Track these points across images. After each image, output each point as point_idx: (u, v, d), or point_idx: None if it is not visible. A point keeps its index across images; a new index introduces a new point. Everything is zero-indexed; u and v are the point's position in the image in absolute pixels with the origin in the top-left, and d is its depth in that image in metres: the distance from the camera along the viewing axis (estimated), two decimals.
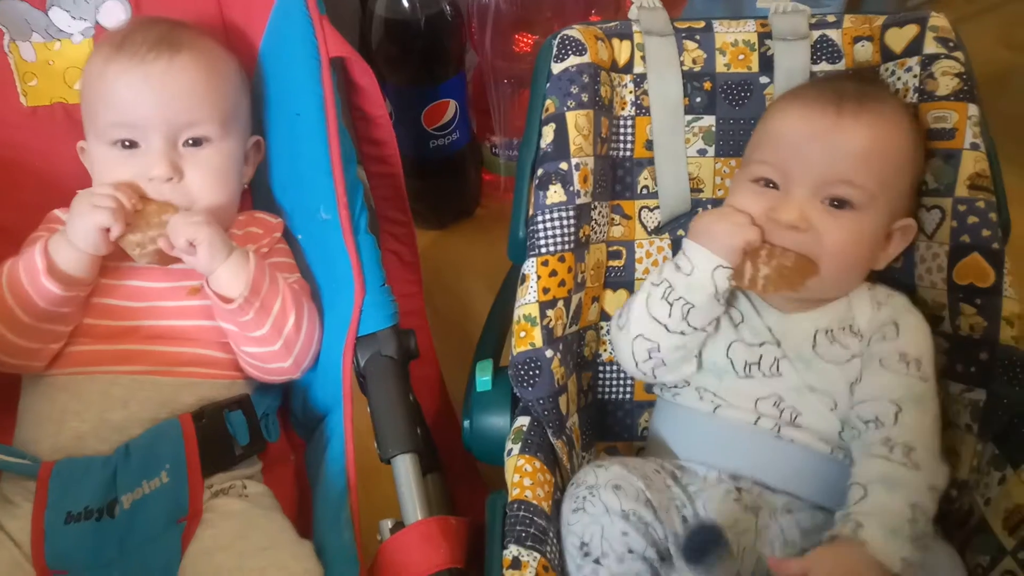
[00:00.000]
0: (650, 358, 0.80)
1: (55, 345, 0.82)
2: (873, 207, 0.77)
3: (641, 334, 0.80)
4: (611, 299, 0.93)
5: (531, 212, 0.83)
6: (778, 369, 0.80)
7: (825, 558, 0.68)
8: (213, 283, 0.81)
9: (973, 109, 0.81)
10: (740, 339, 0.82)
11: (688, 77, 0.90)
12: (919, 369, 0.76)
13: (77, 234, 0.79)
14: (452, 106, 1.25)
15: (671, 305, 0.78)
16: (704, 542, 0.73)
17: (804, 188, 0.77)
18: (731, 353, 0.81)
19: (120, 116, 0.82)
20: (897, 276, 0.85)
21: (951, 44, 0.84)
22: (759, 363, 0.81)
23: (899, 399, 0.74)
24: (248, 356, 0.84)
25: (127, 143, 0.83)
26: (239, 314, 0.80)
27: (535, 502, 0.74)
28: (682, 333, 0.79)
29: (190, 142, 0.84)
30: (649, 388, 0.93)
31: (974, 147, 0.81)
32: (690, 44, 0.90)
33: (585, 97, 0.84)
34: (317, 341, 0.86)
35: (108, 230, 0.79)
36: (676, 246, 0.93)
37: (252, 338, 0.82)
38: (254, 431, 0.84)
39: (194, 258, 0.80)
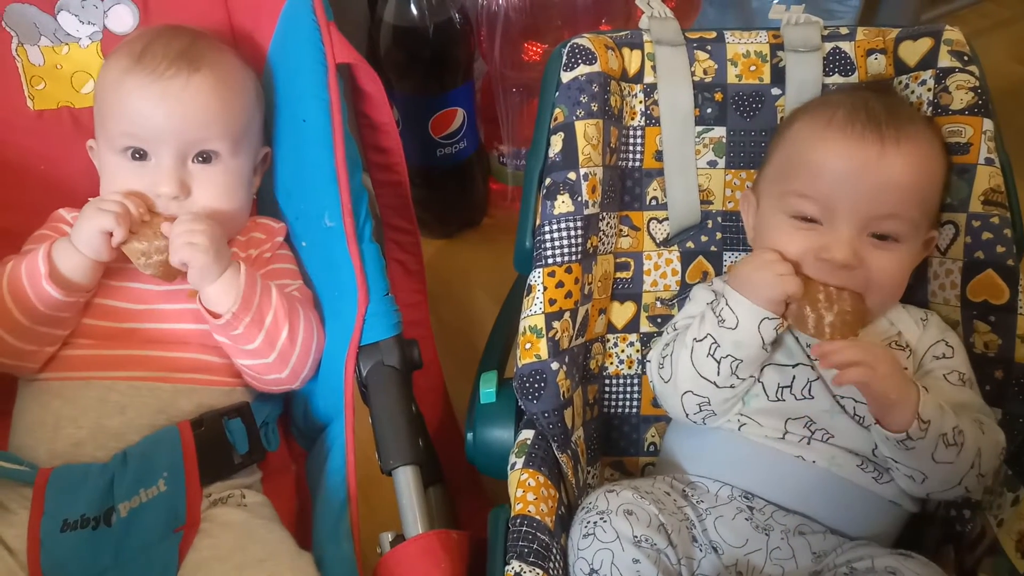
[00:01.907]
0: (701, 411, 0.79)
1: (51, 348, 0.82)
2: (916, 235, 0.77)
3: (690, 391, 0.78)
4: (618, 311, 0.91)
5: (538, 222, 0.82)
6: (810, 391, 0.78)
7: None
8: (203, 297, 0.81)
9: (988, 124, 0.80)
10: (772, 361, 0.80)
11: (699, 88, 0.89)
12: (972, 387, 0.77)
13: (81, 237, 0.78)
14: (460, 114, 1.25)
15: (718, 363, 0.76)
16: None
17: (852, 224, 0.75)
18: (763, 377, 0.79)
19: (132, 128, 0.82)
20: (910, 293, 0.84)
21: (966, 58, 0.83)
22: (791, 385, 0.79)
23: (976, 417, 0.74)
24: (244, 368, 0.84)
25: (137, 154, 0.83)
26: (229, 328, 0.80)
27: (538, 517, 0.73)
28: (732, 387, 0.77)
29: (200, 159, 0.84)
30: (658, 403, 0.92)
31: (989, 162, 0.80)
32: (701, 54, 0.89)
33: (594, 106, 0.83)
34: (316, 351, 0.85)
35: (111, 235, 0.78)
36: (685, 258, 0.92)
37: (245, 351, 0.82)
38: (254, 440, 0.83)
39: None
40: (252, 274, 0.82)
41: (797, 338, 0.80)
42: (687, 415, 0.79)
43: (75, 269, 0.79)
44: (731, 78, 0.89)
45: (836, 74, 0.88)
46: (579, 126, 0.82)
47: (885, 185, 0.75)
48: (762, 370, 0.79)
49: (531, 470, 0.76)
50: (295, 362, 0.83)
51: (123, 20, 0.93)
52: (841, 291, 0.75)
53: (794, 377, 0.79)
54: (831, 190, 0.76)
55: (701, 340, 0.77)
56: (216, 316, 0.80)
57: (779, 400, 0.79)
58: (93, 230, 0.78)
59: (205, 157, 0.84)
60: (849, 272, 0.75)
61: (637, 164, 0.90)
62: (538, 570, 0.69)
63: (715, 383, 0.77)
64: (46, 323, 0.80)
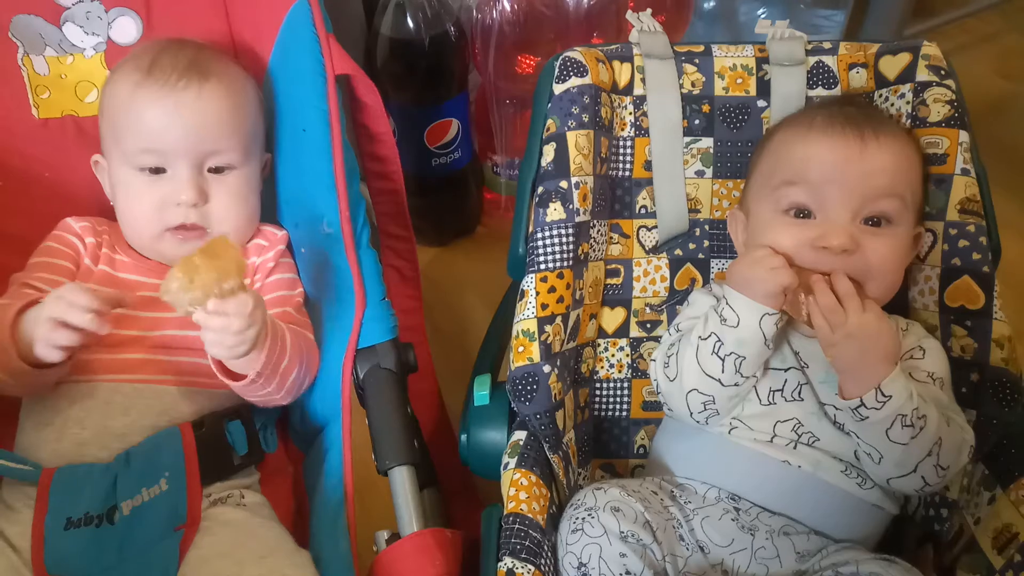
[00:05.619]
0: (705, 409, 0.80)
1: (53, 381, 0.80)
2: (906, 218, 0.79)
3: (696, 388, 0.79)
4: (609, 316, 0.94)
5: (531, 229, 0.84)
6: (800, 394, 0.80)
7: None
8: (225, 362, 0.78)
9: (964, 135, 0.83)
10: (767, 366, 0.81)
11: (687, 100, 0.91)
12: (942, 388, 0.78)
13: (39, 346, 0.74)
14: (455, 125, 1.27)
15: (723, 360, 0.77)
16: None
17: (844, 211, 0.77)
18: (757, 382, 0.81)
19: (149, 143, 0.84)
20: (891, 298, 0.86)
21: (943, 72, 0.86)
22: (783, 389, 0.80)
23: (946, 413, 0.75)
24: (251, 399, 0.85)
25: (155, 168, 0.84)
26: (249, 386, 0.79)
27: (531, 516, 0.74)
28: (736, 384, 0.78)
29: (216, 167, 0.86)
30: (647, 407, 0.94)
31: (965, 172, 0.82)
32: (689, 67, 0.91)
33: (586, 117, 0.85)
34: (316, 369, 0.86)
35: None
36: (673, 265, 0.94)
37: (257, 395, 0.82)
38: (252, 441, 0.85)
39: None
40: (274, 338, 0.78)
41: (789, 343, 0.82)
42: (691, 414, 0.80)
43: (45, 356, 0.75)
44: (718, 90, 0.92)
45: (820, 87, 0.91)
46: (571, 136, 0.84)
47: (871, 171, 0.77)
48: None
49: (524, 470, 0.78)
50: (298, 391, 0.85)
51: (127, 31, 0.95)
52: None
53: (785, 381, 0.81)
54: (820, 179, 0.78)
55: (706, 339, 0.78)
56: (236, 378, 0.79)
57: (770, 403, 0.80)
58: (49, 347, 0.74)
59: (221, 165, 0.86)
60: (848, 257, 0.76)
61: (627, 173, 0.93)
62: (530, 566, 0.70)
63: (720, 381, 0.78)
64: (36, 377, 0.77)
